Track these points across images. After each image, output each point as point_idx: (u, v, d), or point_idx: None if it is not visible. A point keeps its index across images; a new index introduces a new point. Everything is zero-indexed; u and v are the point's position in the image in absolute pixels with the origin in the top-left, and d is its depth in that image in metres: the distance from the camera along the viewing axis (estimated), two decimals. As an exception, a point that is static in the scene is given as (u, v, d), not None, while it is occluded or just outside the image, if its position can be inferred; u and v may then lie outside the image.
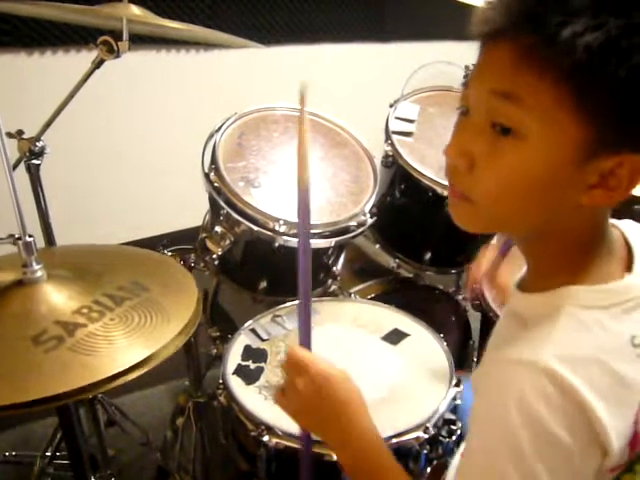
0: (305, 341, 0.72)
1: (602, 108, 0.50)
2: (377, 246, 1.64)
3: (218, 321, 1.61)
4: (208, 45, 2.33)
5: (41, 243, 1.25)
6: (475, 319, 1.56)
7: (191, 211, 1.57)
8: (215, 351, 1.49)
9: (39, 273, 0.80)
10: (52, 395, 0.66)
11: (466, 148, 0.56)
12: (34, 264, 0.79)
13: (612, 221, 0.62)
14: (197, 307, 0.81)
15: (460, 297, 1.65)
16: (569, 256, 0.59)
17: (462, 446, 0.87)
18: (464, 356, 1.60)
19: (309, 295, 0.70)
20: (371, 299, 1.44)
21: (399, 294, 1.53)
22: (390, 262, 1.62)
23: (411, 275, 1.62)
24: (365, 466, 0.70)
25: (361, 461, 0.70)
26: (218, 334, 1.51)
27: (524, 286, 0.65)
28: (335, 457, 0.96)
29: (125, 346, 0.72)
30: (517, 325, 0.61)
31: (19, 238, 0.78)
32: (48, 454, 1.45)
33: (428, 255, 1.53)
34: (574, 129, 0.51)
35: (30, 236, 0.79)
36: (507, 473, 0.53)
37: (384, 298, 1.41)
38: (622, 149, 0.52)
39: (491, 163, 0.55)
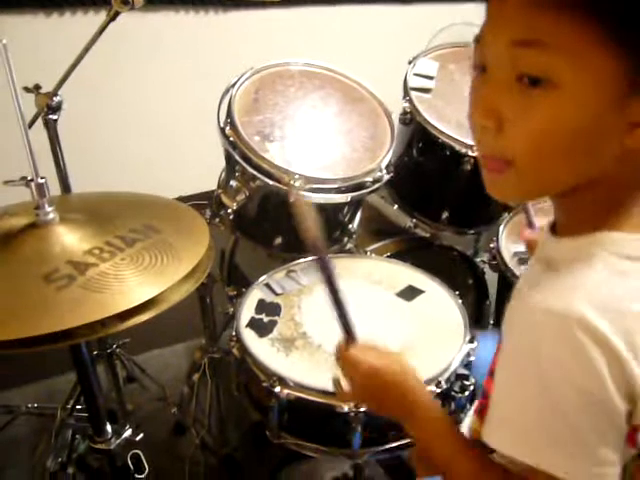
0: (349, 333, 0.73)
1: (633, 36, 0.47)
2: (395, 207, 1.62)
3: (235, 280, 1.62)
4: (225, 5, 2.31)
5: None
6: (492, 283, 1.55)
7: (206, 174, 1.57)
8: (232, 310, 1.49)
9: (51, 215, 0.80)
10: (64, 330, 0.66)
11: (493, 107, 0.52)
12: (46, 206, 0.80)
13: None
14: (209, 250, 0.81)
15: (478, 259, 1.64)
16: (611, 203, 0.55)
17: (475, 404, 0.86)
18: (481, 316, 1.59)
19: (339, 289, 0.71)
20: (387, 258, 1.42)
21: (415, 253, 1.51)
22: (407, 222, 1.61)
23: (428, 235, 1.60)
24: (432, 431, 0.69)
25: (427, 430, 0.70)
26: (235, 293, 1.52)
27: (555, 230, 0.61)
28: (346, 409, 0.98)
29: (136, 284, 0.73)
30: (548, 268, 0.58)
31: (31, 180, 0.79)
32: (69, 406, 1.48)
33: (445, 215, 1.51)
34: (609, 64, 0.48)
35: (42, 178, 0.79)
36: (550, 425, 0.52)
37: (400, 257, 1.40)
38: None
39: (525, 118, 0.51)
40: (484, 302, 1.59)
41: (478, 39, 0.54)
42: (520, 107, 0.51)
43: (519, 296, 0.63)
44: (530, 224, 1.12)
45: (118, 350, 1.53)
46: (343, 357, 0.74)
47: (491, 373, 0.73)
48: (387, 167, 1.32)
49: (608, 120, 0.50)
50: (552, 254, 0.59)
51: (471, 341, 1.10)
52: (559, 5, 0.47)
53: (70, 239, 0.79)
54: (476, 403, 0.84)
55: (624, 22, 0.47)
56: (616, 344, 0.49)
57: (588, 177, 0.54)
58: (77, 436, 1.45)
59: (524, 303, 0.56)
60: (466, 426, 0.82)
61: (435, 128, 1.40)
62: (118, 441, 0.99)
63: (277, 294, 1.21)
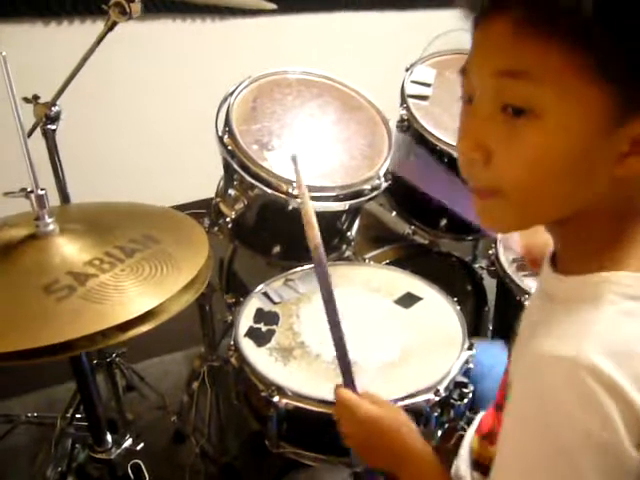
0: (348, 381, 0.77)
1: (621, 67, 0.46)
2: (393, 214, 1.63)
3: (233, 288, 1.62)
4: (222, 13, 2.32)
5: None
6: (491, 289, 1.55)
7: (204, 182, 1.57)
8: (230, 318, 1.49)
9: (51, 226, 0.81)
10: (64, 342, 0.67)
11: (479, 139, 0.52)
12: (46, 217, 0.80)
13: None
14: (208, 260, 0.81)
15: (476, 265, 1.64)
16: (609, 236, 0.54)
17: (477, 418, 0.86)
18: (479, 323, 1.59)
19: (343, 335, 0.74)
20: (385, 265, 1.43)
21: (414, 261, 1.52)
22: (406, 229, 1.61)
23: (426, 242, 1.61)
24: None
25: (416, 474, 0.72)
26: (233, 301, 1.52)
27: (557, 265, 0.60)
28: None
29: (136, 295, 0.73)
30: (551, 308, 0.57)
31: (31, 191, 0.79)
32: (68, 416, 1.48)
33: (444, 221, 1.52)
34: (594, 95, 0.47)
35: (42, 189, 0.80)
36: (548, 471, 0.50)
37: (399, 264, 1.40)
38: None
39: (511, 149, 0.50)
40: (483, 309, 1.60)
41: (463, 70, 0.54)
42: (505, 138, 0.51)
43: (526, 337, 0.62)
44: None
45: (117, 359, 1.53)
46: (341, 400, 0.76)
47: (496, 406, 0.73)
48: (385, 174, 1.33)
49: (595, 150, 0.50)
50: (556, 292, 0.58)
51: (470, 348, 1.10)
52: (548, 36, 0.46)
53: (70, 250, 0.79)
54: (477, 422, 0.83)
55: (613, 54, 0.46)
56: (627, 389, 0.48)
57: (580, 206, 0.54)
58: (77, 445, 1.44)
59: (531, 347, 0.54)
60: (466, 445, 0.81)
61: (432, 135, 1.41)
62: (118, 451, 0.99)
63: (275, 303, 1.22)
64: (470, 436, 0.82)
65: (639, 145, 0.49)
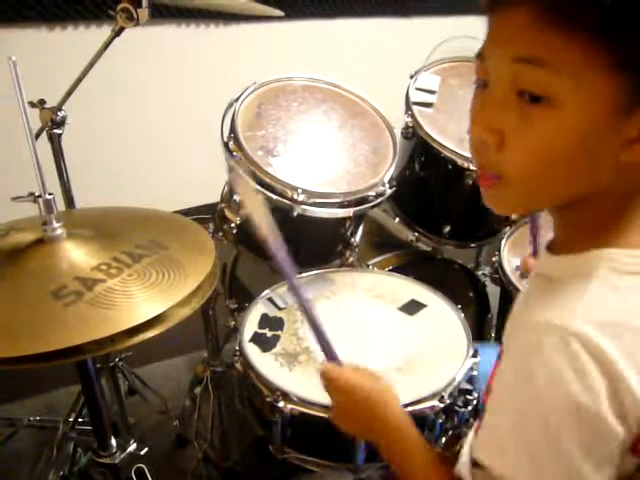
0: (330, 355, 0.78)
1: (637, 57, 0.47)
2: (396, 220, 1.63)
3: (236, 293, 1.63)
4: (227, 19, 2.33)
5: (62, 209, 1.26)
6: (494, 296, 1.55)
7: (209, 188, 1.58)
8: (233, 323, 1.50)
9: (59, 231, 0.81)
10: (72, 347, 0.67)
11: (493, 123, 0.53)
12: (54, 222, 0.80)
13: None
14: (214, 266, 0.81)
15: (479, 272, 1.64)
16: (608, 218, 0.56)
17: (476, 424, 0.86)
18: (482, 330, 1.59)
19: (313, 311, 0.75)
20: (389, 271, 1.43)
21: (417, 267, 1.52)
22: (409, 236, 1.61)
23: (430, 249, 1.61)
24: (398, 448, 0.72)
25: (394, 445, 0.73)
26: (236, 306, 1.52)
27: (554, 248, 0.61)
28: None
29: (143, 300, 0.73)
30: (546, 286, 0.58)
31: (39, 196, 0.79)
32: (71, 419, 1.48)
33: (447, 228, 1.52)
34: (608, 85, 0.48)
35: (50, 194, 0.80)
36: (534, 440, 0.52)
37: (402, 271, 1.40)
38: None
39: (524, 135, 0.51)
40: (486, 315, 1.60)
41: (480, 54, 0.55)
42: (520, 124, 0.52)
43: (519, 312, 0.64)
44: (535, 253, 1.12)
45: (120, 363, 1.53)
46: (324, 374, 0.77)
47: (489, 389, 0.74)
48: (389, 181, 1.33)
49: (604, 137, 0.51)
50: (550, 271, 0.60)
51: (474, 355, 1.10)
52: (570, 27, 0.47)
53: (77, 255, 0.80)
54: (477, 423, 0.84)
55: (634, 45, 0.47)
56: (614, 359, 0.49)
57: (584, 191, 0.55)
58: (79, 449, 1.44)
59: (524, 319, 0.57)
60: (467, 445, 0.82)
61: (437, 142, 1.41)
62: (123, 455, 0.98)
63: (280, 308, 1.22)
64: (471, 437, 0.82)
65: None
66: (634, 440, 0.52)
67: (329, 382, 0.77)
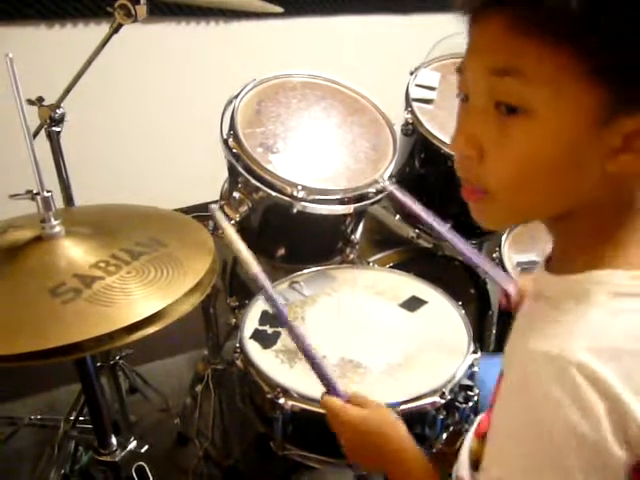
0: (332, 390, 0.81)
1: (612, 64, 0.46)
2: (397, 217, 1.63)
3: (237, 291, 1.62)
4: (227, 16, 2.32)
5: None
6: (494, 293, 1.55)
7: (209, 185, 1.57)
8: (234, 321, 1.50)
9: (57, 229, 0.81)
10: (71, 344, 0.67)
11: (473, 136, 0.53)
12: (52, 219, 0.80)
13: None
14: (213, 263, 0.81)
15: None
16: (600, 235, 0.55)
17: (476, 420, 0.86)
18: (483, 327, 1.59)
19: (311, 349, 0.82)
20: (390, 268, 1.43)
21: (418, 264, 1.51)
22: (410, 233, 1.61)
23: (430, 245, 1.60)
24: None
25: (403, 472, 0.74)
26: (237, 304, 1.52)
27: (551, 266, 0.61)
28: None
29: (141, 298, 0.73)
30: (542, 307, 0.57)
31: (37, 193, 0.79)
32: (72, 418, 1.48)
33: (448, 225, 1.51)
34: (587, 93, 0.47)
35: (48, 191, 0.80)
36: (538, 468, 0.51)
37: (403, 267, 1.40)
38: None
39: (502, 147, 0.51)
40: (486, 312, 1.59)
41: (459, 68, 0.55)
42: (497, 135, 0.51)
43: (517, 336, 0.63)
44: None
45: (121, 361, 1.53)
46: (327, 408, 0.79)
47: (491, 406, 0.73)
48: (390, 178, 1.32)
49: (586, 147, 0.50)
50: (546, 291, 0.59)
51: (475, 352, 1.10)
52: (541, 36, 0.47)
53: (76, 252, 0.79)
54: (475, 424, 0.84)
55: (608, 53, 0.46)
56: (614, 386, 0.48)
57: (572, 203, 0.54)
58: (80, 448, 1.44)
59: (522, 345, 0.55)
60: (466, 447, 0.82)
61: (437, 139, 1.41)
62: (123, 453, 0.98)
63: (280, 305, 1.21)
64: (469, 438, 0.82)
65: (631, 141, 0.49)
66: (636, 465, 0.51)
67: (333, 417, 0.79)
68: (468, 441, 0.82)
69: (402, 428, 0.76)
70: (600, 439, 0.48)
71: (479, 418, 0.85)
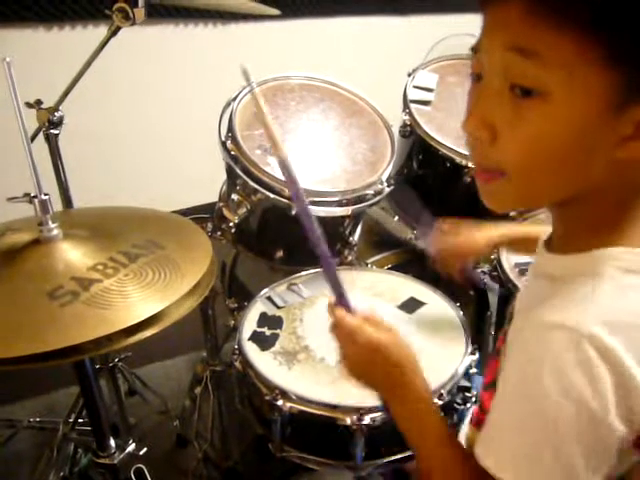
0: (344, 302, 0.68)
1: (630, 52, 0.47)
2: (395, 218, 1.63)
3: (236, 293, 1.62)
4: (225, 19, 2.33)
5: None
6: (493, 293, 1.55)
7: (206, 187, 1.58)
8: (233, 322, 1.50)
9: (55, 232, 0.81)
10: (69, 346, 0.67)
11: (486, 117, 0.53)
12: (50, 222, 0.80)
13: None
14: (211, 265, 0.81)
15: (478, 270, 1.64)
16: (608, 216, 0.56)
17: (472, 410, 0.87)
18: (481, 328, 1.59)
19: (328, 255, 0.67)
20: (388, 270, 1.43)
21: (416, 265, 1.51)
22: (408, 234, 1.61)
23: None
24: (417, 425, 0.67)
25: (414, 420, 0.68)
26: (236, 305, 1.52)
27: (553, 246, 0.61)
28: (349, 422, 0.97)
29: (139, 300, 0.73)
30: (550, 286, 0.58)
31: (35, 196, 0.79)
32: (71, 420, 1.48)
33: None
34: (601, 80, 0.48)
35: (46, 194, 0.80)
36: (538, 445, 0.51)
37: (401, 269, 1.40)
38: None
39: (516, 129, 0.51)
40: (485, 313, 1.59)
41: (474, 47, 0.55)
42: (510, 117, 0.51)
43: (523, 316, 0.63)
44: None
45: (120, 364, 1.53)
46: (340, 323, 0.68)
47: (484, 386, 0.73)
48: (388, 180, 1.33)
49: (597, 133, 0.50)
50: (552, 270, 0.60)
51: (473, 353, 1.10)
52: (560, 21, 0.47)
53: (74, 255, 0.79)
54: (471, 413, 0.84)
55: (626, 39, 0.47)
56: (624, 359, 0.49)
57: (581, 187, 0.54)
58: (79, 450, 1.44)
59: (531, 320, 0.56)
60: (463, 435, 0.82)
61: (435, 140, 1.41)
62: (122, 456, 0.98)
63: (279, 307, 1.22)
64: (464, 430, 0.82)
65: None
66: (635, 438, 0.52)
67: (345, 334, 0.68)
68: (463, 433, 0.83)
69: (416, 361, 0.68)
70: (606, 417, 0.49)
71: (472, 409, 0.85)
